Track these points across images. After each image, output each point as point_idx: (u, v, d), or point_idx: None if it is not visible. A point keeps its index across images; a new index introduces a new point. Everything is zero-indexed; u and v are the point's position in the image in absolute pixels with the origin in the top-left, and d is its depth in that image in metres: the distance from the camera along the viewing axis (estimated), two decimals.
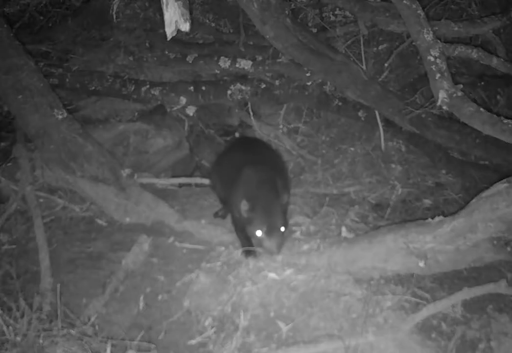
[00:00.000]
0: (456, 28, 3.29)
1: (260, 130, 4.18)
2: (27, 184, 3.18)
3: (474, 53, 3.16)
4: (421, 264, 2.32)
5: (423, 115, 3.29)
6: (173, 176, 3.95)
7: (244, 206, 2.32)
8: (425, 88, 3.47)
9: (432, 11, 3.66)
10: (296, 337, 2.18)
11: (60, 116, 3.20)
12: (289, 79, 3.78)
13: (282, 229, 2.34)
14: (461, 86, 2.84)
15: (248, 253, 2.56)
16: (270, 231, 2.30)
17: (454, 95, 2.78)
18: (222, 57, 3.85)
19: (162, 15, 2.68)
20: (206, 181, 3.53)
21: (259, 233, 2.31)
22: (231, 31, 4.22)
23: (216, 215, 3.00)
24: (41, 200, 3.19)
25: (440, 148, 3.66)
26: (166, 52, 4.05)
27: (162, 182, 3.47)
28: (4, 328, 2.08)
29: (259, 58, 3.82)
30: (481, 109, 2.72)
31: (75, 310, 2.35)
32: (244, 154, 2.82)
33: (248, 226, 2.36)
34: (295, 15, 3.69)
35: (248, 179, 2.43)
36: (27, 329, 2.09)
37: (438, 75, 2.83)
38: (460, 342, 2.14)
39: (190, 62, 3.96)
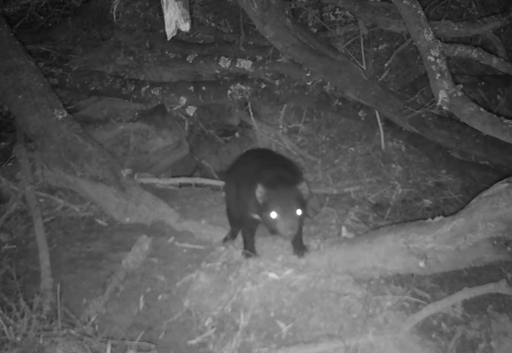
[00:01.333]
0: (456, 28, 3.29)
1: (260, 130, 4.19)
2: (27, 184, 3.18)
3: (474, 53, 3.16)
4: (421, 264, 2.32)
5: (423, 115, 3.29)
6: (173, 176, 3.96)
7: (259, 192, 2.27)
8: (425, 88, 3.49)
9: (432, 11, 3.67)
10: (296, 337, 2.18)
11: (60, 116, 3.20)
12: (289, 79, 3.78)
13: (298, 212, 2.25)
14: (461, 86, 2.84)
15: (248, 253, 2.57)
16: (284, 212, 2.23)
17: (454, 95, 2.78)
18: (222, 57, 3.85)
19: (162, 15, 2.68)
20: (206, 181, 3.53)
21: (273, 215, 2.23)
22: (231, 31, 4.23)
23: (225, 239, 2.82)
24: (41, 200, 3.20)
25: (440, 148, 3.67)
26: (166, 52, 4.06)
27: (162, 182, 3.47)
28: (4, 328, 2.08)
29: (259, 58, 3.83)
30: (481, 109, 2.72)
31: (75, 310, 2.35)
32: (260, 160, 2.78)
33: (264, 212, 2.27)
34: (295, 15, 3.69)
35: (264, 174, 2.42)
36: (27, 329, 2.09)
37: (438, 75, 2.84)
38: (460, 342, 2.15)
39: (190, 62, 3.96)
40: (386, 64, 3.81)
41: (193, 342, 2.24)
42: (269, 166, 2.52)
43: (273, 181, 2.30)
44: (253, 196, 2.30)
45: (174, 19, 2.63)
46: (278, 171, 2.44)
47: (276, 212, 2.23)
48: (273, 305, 2.32)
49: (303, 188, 2.30)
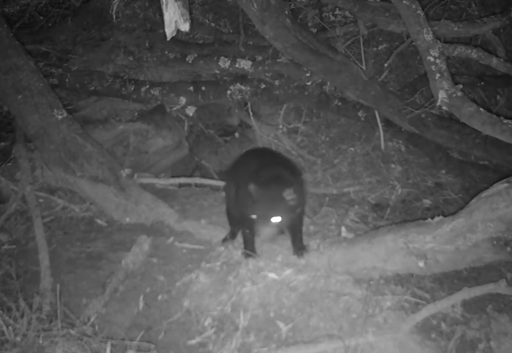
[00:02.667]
0: (456, 28, 3.29)
1: (259, 130, 4.18)
2: (27, 184, 3.17)
3: (474, 53, 3.16)
4: (421, 264, 2.32)
5: (423, 115, 3.29)
6: (173, 176, 3.96)
7: (251, 191, 2.30)
8: (425, 88, 3.48)
9: (432, 11, 3.66)
10: (296, 337, 2.18)
11: (60, 116, 3.20)
12: (289, 79, 3.78)
13: (275, 219, 2.27)
14: (461, 86, 2.84)
15: (248, 253, 2.56)
16: (261, 217, 2.30)
17: (454, 95, 2.78)
18: (222, 57, 3.85)
19: (162, 15, 2.68)
20: (206, 181, 3.53)
21: (253, 217, 2.32)
22: (231, 31, 4.22)
23: (225, 239, 2.81)
24: (41, 200, 3.19)
25: (440, 148, 3.67)
26: (166, 52, 4.05)
27: (162, 182, 3.47)
28: (4, 328, 2.07)
29: (259, 58, 3.82)
30: (481, 109, 2.72)
31: (75, 310, 2.35)
32: (260, 160, 2.78)
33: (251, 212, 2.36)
34: (295, 15, 3.68)
35: (259, 174, 2.43)
36: (27, 329, 2.09)
37: (438, 75, 2.83)
38: (460, 342, 2.14)
39: (190, 62, 3.96)
40: (385, 64, 3.80)
41: (192, 342, 2.24)
42: (266, 166, 2.52)
43: (265, 182, 2.32)
44: (250, 195, 2.31)
45: (174, 19, 2.63)
46: (274, 172, 2.44)
47: (255, 215, 2.28)
48: (272, 305, 2.32)
49: (289, 193, 2.26)
